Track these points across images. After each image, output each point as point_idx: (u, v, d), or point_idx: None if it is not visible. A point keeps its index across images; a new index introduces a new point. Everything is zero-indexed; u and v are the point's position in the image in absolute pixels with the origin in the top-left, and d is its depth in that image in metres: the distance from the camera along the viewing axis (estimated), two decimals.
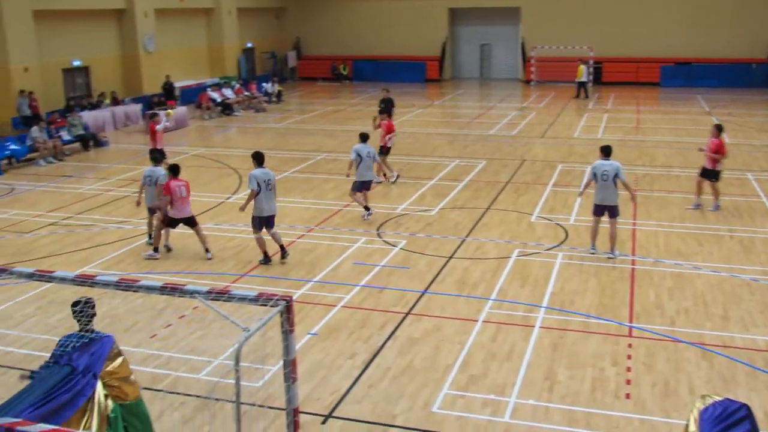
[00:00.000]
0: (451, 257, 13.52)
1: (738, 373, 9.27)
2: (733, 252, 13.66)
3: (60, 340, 6.45)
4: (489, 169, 20.70)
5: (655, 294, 11.75)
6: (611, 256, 13.25)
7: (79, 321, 6.46)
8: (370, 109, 30.03)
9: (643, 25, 40.99)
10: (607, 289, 11.94)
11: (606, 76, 41.70)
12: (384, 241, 14.46)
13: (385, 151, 19.28)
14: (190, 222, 13.66)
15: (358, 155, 15.72)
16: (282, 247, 13.26)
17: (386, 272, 12.77)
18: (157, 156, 14.68)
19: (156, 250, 13.63)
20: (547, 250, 13.88)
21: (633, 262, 13.13)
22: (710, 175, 16.21)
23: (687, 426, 5.31)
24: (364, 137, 16.19)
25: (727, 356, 9.69)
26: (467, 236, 14.64)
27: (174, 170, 13.51)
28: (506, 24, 44.74)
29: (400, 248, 14.00)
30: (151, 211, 14.05)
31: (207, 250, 13.55)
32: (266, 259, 13.19)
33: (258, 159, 13.13)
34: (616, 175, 13.10)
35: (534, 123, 29.32)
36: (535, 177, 19.77)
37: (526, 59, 43.39)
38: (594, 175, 13.24)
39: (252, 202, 12.95)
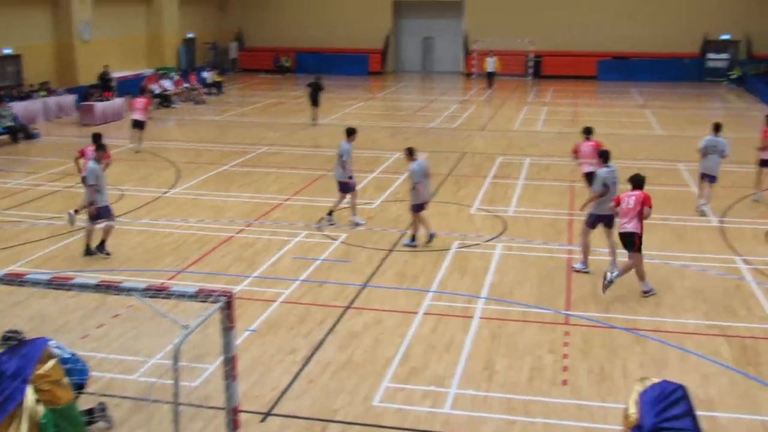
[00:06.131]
0: (391, 250, 13.54)
1: (669, 356, 9.55)
2: (665, 240, 13.99)
3: None
4: (429, 162, 20.70)
5: (591, 282, 11.95)
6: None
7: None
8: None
9: (582, 19, 41.64)
10: (545, 279, 12.11)
11: (546, 70, 42.25)
12: (324, 234, 14.40)
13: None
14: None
15: None
16: (102, 241, 13.18)
17: (326, 266, 12.72)
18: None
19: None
20: (487, 241, 14.01)
21: (570, 252, 13.33)
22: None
23: (627, 408, 5.43)
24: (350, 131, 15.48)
25: (659, 340, 9.97)
26: (408, 229, 14.67)
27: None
28: (449, 17, 44.94)
29: (341, 242, 13.97)
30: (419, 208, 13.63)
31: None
32: (88, 251, 13.07)
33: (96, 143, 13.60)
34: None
35: (475, 116, 29.56)
36: (475, 169, 19.92)
37: (468, 52, 43.68)
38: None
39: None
